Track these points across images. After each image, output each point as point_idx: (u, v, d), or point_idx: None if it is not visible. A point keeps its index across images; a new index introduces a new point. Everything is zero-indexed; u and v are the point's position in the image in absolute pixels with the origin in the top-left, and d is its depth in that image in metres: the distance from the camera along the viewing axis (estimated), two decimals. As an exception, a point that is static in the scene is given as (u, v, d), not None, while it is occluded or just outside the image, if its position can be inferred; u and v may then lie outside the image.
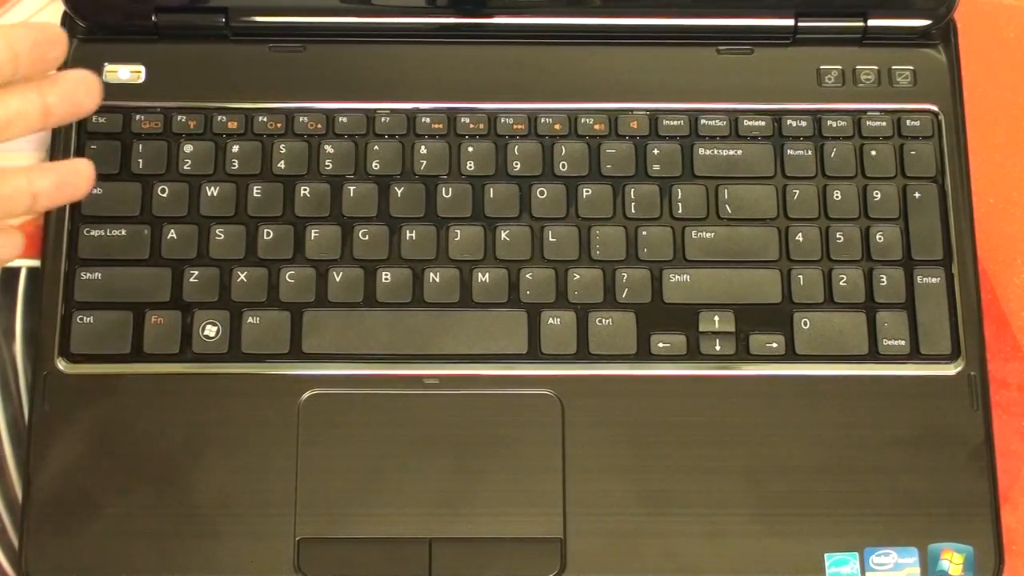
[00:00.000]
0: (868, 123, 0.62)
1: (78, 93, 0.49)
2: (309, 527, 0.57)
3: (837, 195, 0.61)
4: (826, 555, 0.57)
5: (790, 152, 0.62)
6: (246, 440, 0.57)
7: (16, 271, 0.61)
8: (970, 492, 0.57)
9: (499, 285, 0.60)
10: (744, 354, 0.59)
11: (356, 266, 0.60)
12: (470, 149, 0.61)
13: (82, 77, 0.49)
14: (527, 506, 0.57)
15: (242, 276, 0.59)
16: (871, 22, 0.63)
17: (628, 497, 0.57)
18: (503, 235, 0.60)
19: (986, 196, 0.64)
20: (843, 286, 0.60)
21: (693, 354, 0.59)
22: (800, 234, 0.61)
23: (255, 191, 0.61)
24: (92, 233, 0.60)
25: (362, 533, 0.57)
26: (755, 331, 0.59)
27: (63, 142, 0.61)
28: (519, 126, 0.62)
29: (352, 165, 0.61)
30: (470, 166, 0.61)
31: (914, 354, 0.59)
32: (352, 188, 0.61)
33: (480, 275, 0.60)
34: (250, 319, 0.59)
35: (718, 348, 0.59)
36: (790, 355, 0.59)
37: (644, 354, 0.59)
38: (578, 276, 0.60)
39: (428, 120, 0.62)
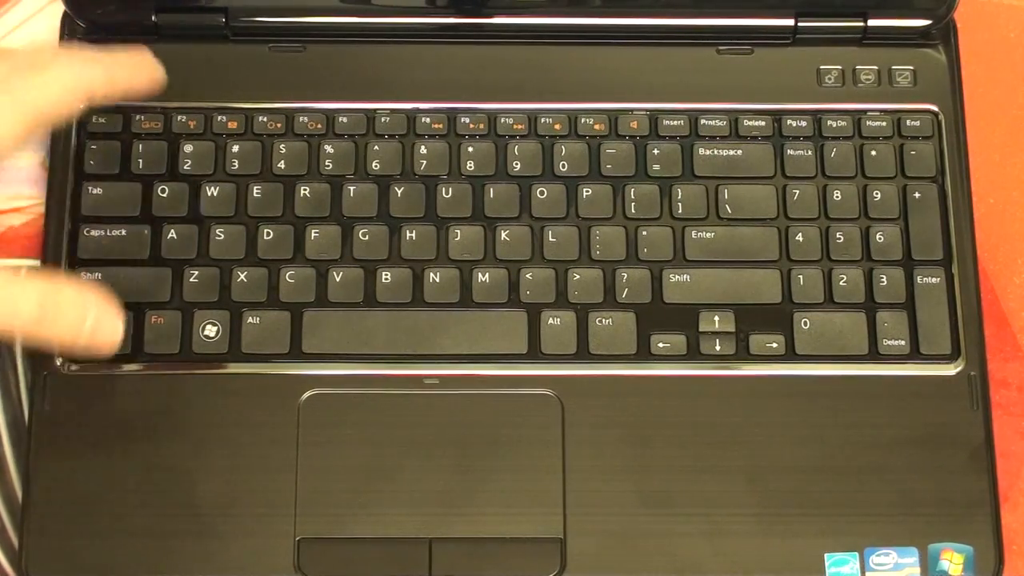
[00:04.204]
0: (868, 123, 0.62)
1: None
2: (309, 527, 0.57)
3: (837, 195, 0.61)
4: (826, 555, 0.57)
5: (790, 152, 0.62)
6: (246, 440, 0.57)
7: (16, 271, 0.61)
8: (970, 492, 0.57)
9: (499, 285, 0.59)
10: (744, 354, 0.59)
11: (356, 266, 0.60)
12: (470, 149, 0.61)
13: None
14: (527, 506, 0.57)
15: (242, 276, 0.59)
16: (871, 22, 0.63)
17: (628, 497, 0.57)
18: (503, 235, 0.60)
19: (986, 196, 0.64)
20: (843, 286, 0.60)
21: (693, 354, 0.59)
22: (800, 234, 0.61)
23: (255, 191, 0.61)
24: (92, 233, 0.60)
25: (362, 533, 0.57)
26: (755, 331, 0.59)
27: (63, 141, 0.61)
28: (519, 126, 0.62)
29: (352, 165, 0.61)
30: (470, 166, 0.61)
31: (914, 354, 0.59)
32: (352, 188, 0.61)
33: (480, 275, 0.60)
34: (250, 319, 0.59)
35: (718, 348, 0.59)
36: (790, 355, 0.59)
37: (644, 354, 0.59)
38: (578, 276, 0.60)
39: (428, 120, 0.62)
